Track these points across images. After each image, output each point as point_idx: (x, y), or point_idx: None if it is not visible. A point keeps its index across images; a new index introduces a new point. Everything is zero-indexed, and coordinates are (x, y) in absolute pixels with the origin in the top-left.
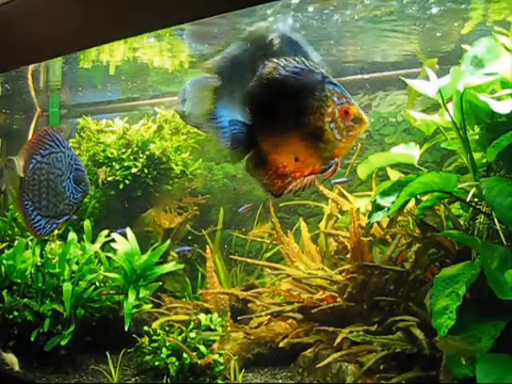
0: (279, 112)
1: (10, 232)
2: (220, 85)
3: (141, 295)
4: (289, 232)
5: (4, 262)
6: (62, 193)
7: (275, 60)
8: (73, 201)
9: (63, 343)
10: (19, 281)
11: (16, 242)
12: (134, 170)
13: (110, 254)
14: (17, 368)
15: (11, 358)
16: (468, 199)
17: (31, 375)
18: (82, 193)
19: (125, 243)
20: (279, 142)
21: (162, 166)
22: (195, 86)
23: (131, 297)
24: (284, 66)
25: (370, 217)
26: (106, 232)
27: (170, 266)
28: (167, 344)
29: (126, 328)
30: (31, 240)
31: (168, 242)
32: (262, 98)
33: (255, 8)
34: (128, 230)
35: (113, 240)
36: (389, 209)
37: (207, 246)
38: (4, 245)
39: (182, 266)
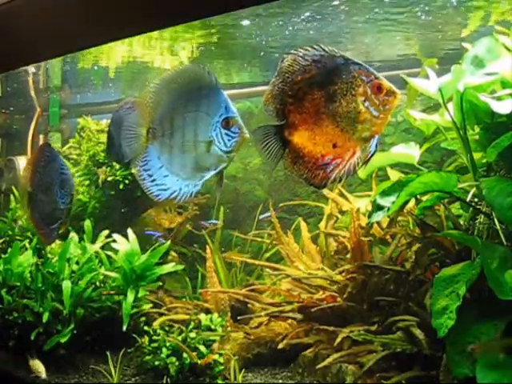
0: (309, 103)
1: (10, 232)
2: (153, 124)
3: (140, 295)
4: (288, 232)
5: (0, 267)
6: (54, 200)
7: (293, 51)
8: (63, 206)
9: (63, 341)
10: (18, 284)
11: (10, 249)
12: (133, 170)
13: (110, 253)
14: (44, 376)
15: (38, 365)
16: (468, 199)
17: (31, 375)
18: (67, 196)
19: (125, 243)
20: (314, 133)
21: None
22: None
23: (130, 297)
24: (303, 55)
25: (369, 217)
26: (106, 232)
27: (169, 267)
28: (167, 344)
29: (125, 328)
30: (30, 241)
31: (168, 242)
32: (287, 93)
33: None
34: (129, 231)
35: (113, 240)
36: (389, 209)
37: (207, 246)
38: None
39: (181, 267)
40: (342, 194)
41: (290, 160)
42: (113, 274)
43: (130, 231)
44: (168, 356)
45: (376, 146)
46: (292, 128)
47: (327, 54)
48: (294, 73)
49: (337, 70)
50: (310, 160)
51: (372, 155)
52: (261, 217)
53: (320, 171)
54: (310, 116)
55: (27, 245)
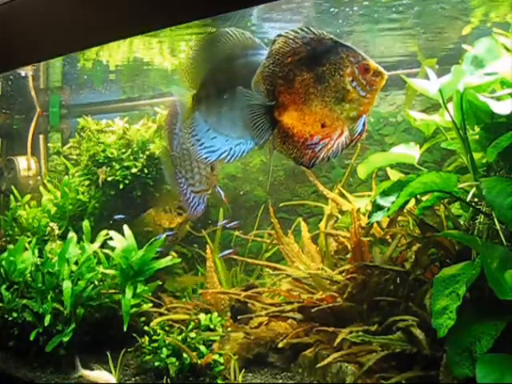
0: (298, 84)
1: (10, 232)
2: (197, 90)
3: (138, 291)
4: (289, 232)
5: (4, 261)
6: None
7: (283, 34)
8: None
9: (65, 340)
10: (20, 279)
11: (16, 243)
12: (133, 170)
13: (107, 251)
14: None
15: (103, 375)
16: (468, 199)
17: (31, 375)
18: None
19: (122, 240)
20: (303, 113)
21: (162, 165)
22: (176, 94)
23: (129, 293)
24: (293, 37)
25: (370, 217)
26: (105, 232)
27: (166, 260)
28: (167, 344)
29: (125, 328)
30: (30, 241)
31: (163, 236)
32: (277, 75)
33: None
34: (125, 227)
35: (110, 238)
36: (389, 209)
37: (207, 246)
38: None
39: (178, 261)
40: (342, 194)
41: (280, 139)
42: (110, 272)
43: (125, 227)
44: (168, 356)
45: (363, 125)
46: (282, 108)
47: (316, 37)
48: (285, 55)
49: (325, 52)
50: (299, 139)
51: (360, 134)
52: (227, 225)
53: (309, 150)
54: (300, 97)
55: (27, 245)
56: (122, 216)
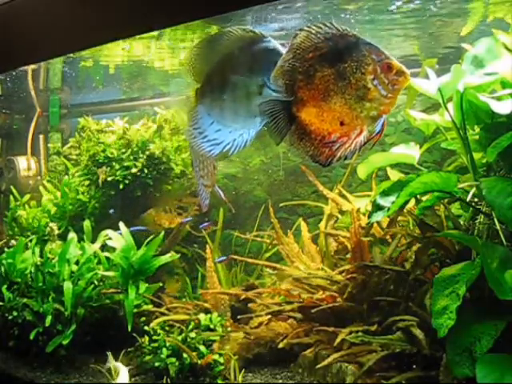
0: (318, 80)
1: (10, 232)
2: (201, 84)
3: (141, 290)
4: (288, 232)
5: (4, 261)
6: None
7: (306, 28)
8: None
9: (65, 342)
10: (19, 280)
11: (16, 242)
12: (133, 170)
13: (107, 254)
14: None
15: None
16: (468, 199)
17: (31, 375)
18: None
19: (120, 240)
20: (322, 110)
21: (162, 166)
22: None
23: (131, 293)
24: (316, 32)
25: (370, 217)
26: (105, 232)
27: (166, 257)
28: (167, 344)
29: (130, 328)
30: (30, 240)
31: (162, 233)
32: (297, 70)
33: None
34: (121, 225)
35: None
36: (389, 209)
37: (207, 246)
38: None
39: (177, 256)
40: (342, 194)
41: (297, 136)
42: (110, 274)
43: (122, 225)
44: (168, 356)
45: (382, 126)
46: (300, 104)
47: (339, 33)
48: (306, 50)
49: (347, 49)
50: (317, 137)
51: (378, 135)
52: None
53: (326, 149)
54: (319, 93)
55: (28, 243)
56: (113, 210)
